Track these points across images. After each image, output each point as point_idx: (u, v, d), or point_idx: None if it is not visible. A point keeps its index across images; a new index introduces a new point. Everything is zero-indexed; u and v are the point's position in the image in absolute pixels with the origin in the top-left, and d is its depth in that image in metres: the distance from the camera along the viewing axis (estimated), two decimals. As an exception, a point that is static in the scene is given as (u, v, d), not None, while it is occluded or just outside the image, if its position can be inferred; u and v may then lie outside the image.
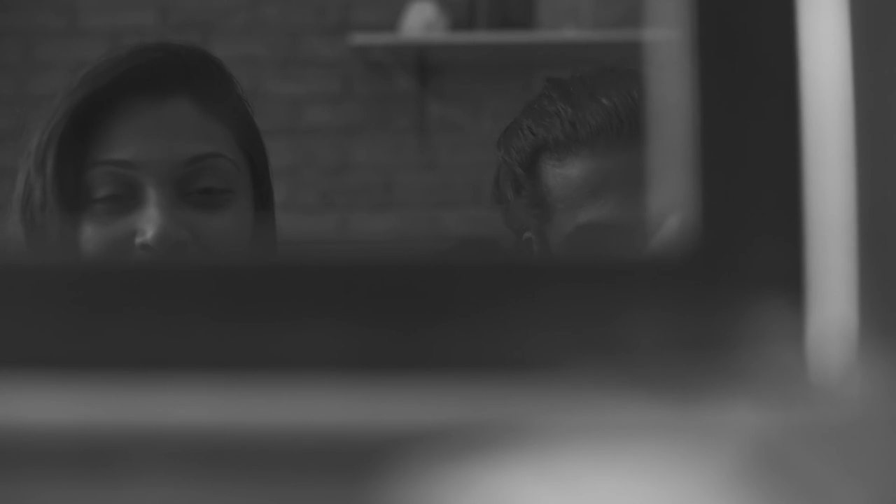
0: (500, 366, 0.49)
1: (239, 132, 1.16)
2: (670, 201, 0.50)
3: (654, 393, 0.47)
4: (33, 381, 0.50)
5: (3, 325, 0.51)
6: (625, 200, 1.14)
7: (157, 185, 1.07)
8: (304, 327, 0.50)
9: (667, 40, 0.50)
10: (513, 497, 0.45)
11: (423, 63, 3.11)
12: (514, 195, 1.23)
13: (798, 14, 0.49)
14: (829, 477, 0.43)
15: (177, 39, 1.22)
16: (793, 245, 0.48)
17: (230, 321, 0.50)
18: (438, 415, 0.48)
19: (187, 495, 0.49)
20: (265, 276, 0.51)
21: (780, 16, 0.49)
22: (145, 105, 1.11)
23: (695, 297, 0.49)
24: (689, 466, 0.44)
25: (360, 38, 3.02)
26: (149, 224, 1.05)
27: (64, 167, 1.08)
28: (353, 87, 3.12)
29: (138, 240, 1.04)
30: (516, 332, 0.49)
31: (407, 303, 0.50)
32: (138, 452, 0.49)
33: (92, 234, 1.05)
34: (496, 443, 0.46)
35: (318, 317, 0.50)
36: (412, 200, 3.11)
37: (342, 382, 0.49)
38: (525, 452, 0.46)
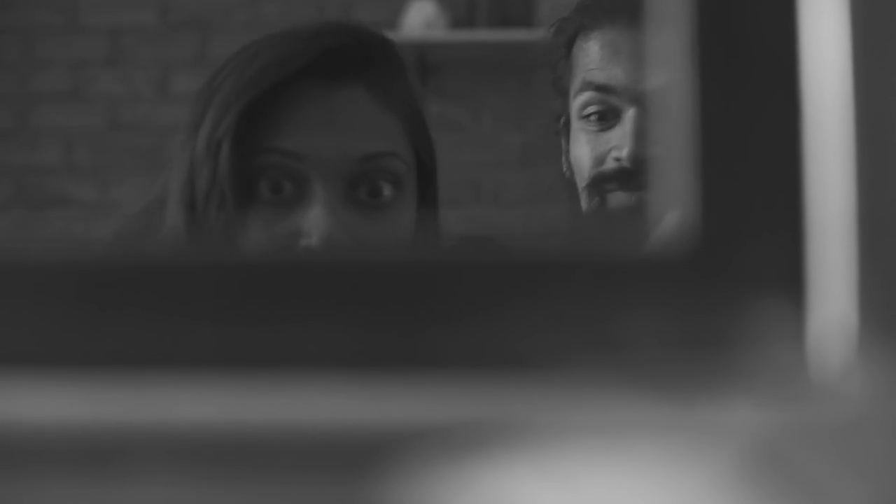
0: (500, 364, 0.49)
1: (411, 127, 1.07)
2: (670, 199, 0.50)
3: (654, 391, 0.47)
4: (34, 379, 0.50)
5: (4, 324, 0.51)
6: (630, 72, 1.26)
7: (325, 182, 0.98)
8: (304, 326, 0.50)
9: (667, 40, 0.50)
10: (513, 495, 0.45)
11: (423, 61, 3.11)
12: (552, 74, 1.37)
13: (798, 14, 0.49)
14: (829, 475, 0.43)
15: (357, 22, 1.12)
16: (793, 243, 0.48)
17: (230, 320, 0.50)
18: (439, 413, 0.48)
19: (188, 493, 0.49)
20: (266, 274, 0.51)
21: (780, 16, 0.49)
22: (318, 91, 1.03)
23: (695, 295, 0.49)
24: (689, 465, 0.44)
25: (361, 37, 3.01)
26: (315, 226, 0.95)
27: (237, 154, 0.99)
28: (353, 85, 3.11)
29: (303, 242, 0.93)
30: (516, 330, 0.49)
31: (406, 301, 0.50)
32: (139, 451, 0.49)
33: (256, 230, 0.96)
34: (496, 441, 0.46)
35: (318, 315, 0.50)
36: (412, 199, 3.11)
37: (342, 381, 0.49)
38: (525, 450, 0.46)
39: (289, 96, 1.02)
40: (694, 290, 0.49)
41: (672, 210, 0.51)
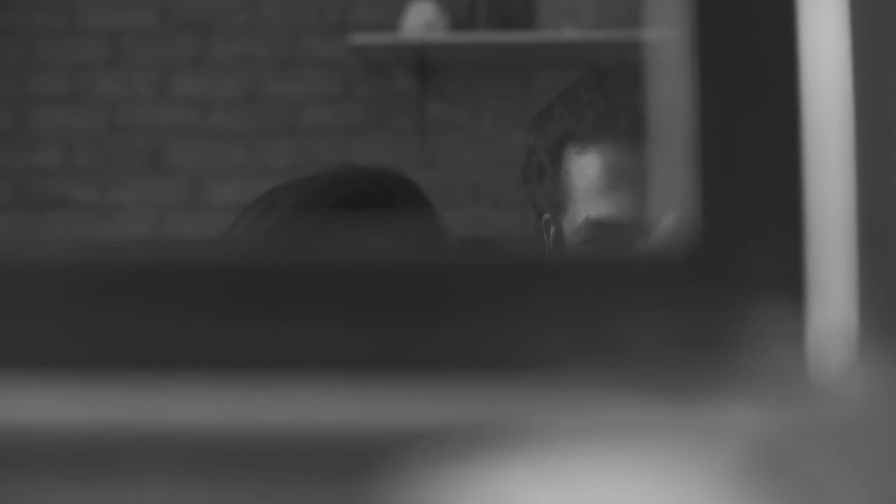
0: (500, 365, 0.49)
1: None
2: (670, 201, 0.50)
3: (654, 393, 0.47)
4: (33, 381, 0.50)
5: (3, 325, 0.51)
6: (640, 201, 1.14)
7: None
8: (304, 327, 0.50)
9: (667, 40, 0.50)
10: (513, 497, 0.45)
11: (423, 63, 3.11)
12: (537, 181, 1.24)
13: (798, 14, 0.49)
14: (829, 477, 0.43)
15: (377, 165, 1.12)
16: (793, 245, 0.48)
17: (230, 321, 0.50)
18: (438, 415, 0.48)
19: (187, 495, 0.49)
20: (265, 276, 0.51)
21: (780, 16, 0.49)
22: (340, 241, 1.00)
23: (695, 297, 0.49)
24: (689, 466, 0.44)
25: (360, 38, 3.02)
26: None
27: None
28: (352, 87, 3.12)
29: None
30: (516, 332, 0.49)
31: (407, 303, 0.50)
32: (138, 453, 0.49)
33: None
34: (496, 443, 0.46)
35: (318, 317, 0.50)
36: (412, 200, 3.10)
37: (342, 382, 0.49)
38: (525, 452, 0.46)
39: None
40: (694, 291, 0.49)
41: (671, 211, 0.51)
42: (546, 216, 1.25)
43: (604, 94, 1.19)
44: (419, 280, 0.50)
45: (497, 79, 3.09)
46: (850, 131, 0.48)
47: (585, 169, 1.18)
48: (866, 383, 0.46)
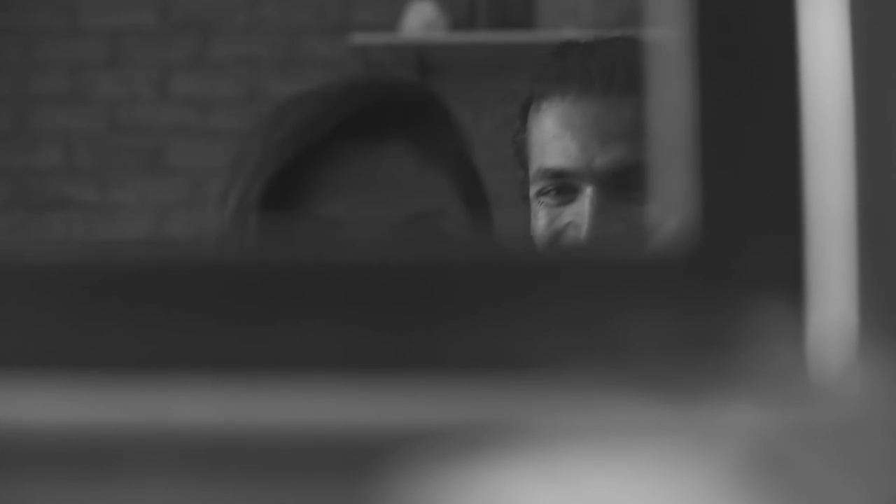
0: (500, 366, 0.49)
1: (460, 181, 1.01)
2: (670, 201, 0.50)
3: (654, 393, 0.47)
4: (33, 381, 0.50)
5: (3, 325, 0.51)
6: (585, 147, 1.23)
7: None
8: (303, 327, 0.50)
9: (667, 40, 0.50)
10: (513, 497, 0.45)
11: (423, 63, 3.11)
12: (512, 145, 1.35)
13: (798, 14, 0.49)
14: (829, 477, 0.43)
15: (396, 77, 1.10)
16: (793, 245, 0.48)
17: (230, 321, 0.50)
18: (438, 415, 0.48)
19: (187, 495, 0.49)
20: (265, 275, 0.51)
21: (780, 16, 0.49)
22: (353, 152, 0.96)
23: (695, 297, 0.49)
24: (689, 466, 0.44)
25: (360, 38, 3.02)
26: None
27: (268, 220, 0.93)
28: (353, 86, 3.11)
29: None
30: (516, 332, 0.49)
31: (407, 303, 0.50)
32: (138, 452, 0.49)
33: None
34: (496, 443, 0.46)
35: (318, 316, 0.50)
36: (412, 200, 3.10)
37: (342, 382, 0.49)
38: (525, 452, 0.46)
39: (320, 160, 0.96)
40: (694, 291, 0.49)
41: (671, 211, 0.51)
42: (521, 177, 1.33)
43: (562, 59, 1.30)
44: (419, 280, 0.50)
45: (497, 79, 3.09)
46: (850, 131, 0.48)
47: (539, 125, 1.28)
48: (866, 383, 0.46)
